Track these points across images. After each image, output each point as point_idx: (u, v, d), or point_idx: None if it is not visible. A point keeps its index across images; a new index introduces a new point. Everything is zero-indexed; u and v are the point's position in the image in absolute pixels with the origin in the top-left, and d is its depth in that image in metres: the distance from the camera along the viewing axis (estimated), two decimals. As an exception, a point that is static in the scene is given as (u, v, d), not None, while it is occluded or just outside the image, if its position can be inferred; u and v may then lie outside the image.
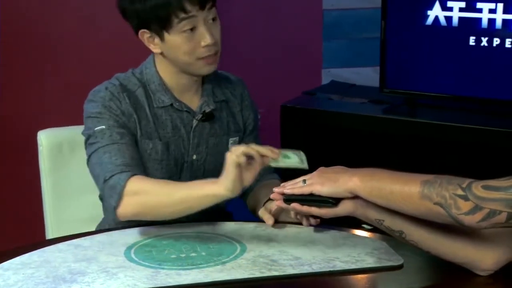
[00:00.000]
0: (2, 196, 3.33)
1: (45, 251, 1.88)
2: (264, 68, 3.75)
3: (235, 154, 1.81)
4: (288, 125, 3.26)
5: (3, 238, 3.20)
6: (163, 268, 1.76)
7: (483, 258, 1.69)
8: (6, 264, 1.80)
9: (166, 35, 2.03)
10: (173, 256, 1.83)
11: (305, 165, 1.83)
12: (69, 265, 1.79)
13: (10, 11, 3.18)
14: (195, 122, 2.14)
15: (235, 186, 1.82)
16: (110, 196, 1.95)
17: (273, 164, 1.85)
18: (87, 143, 2.05)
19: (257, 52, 3.75)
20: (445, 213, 1.57)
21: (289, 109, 3.25)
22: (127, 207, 1.92)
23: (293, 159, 1.85)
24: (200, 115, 2.14)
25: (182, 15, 1.99)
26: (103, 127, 2.02)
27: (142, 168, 2.03)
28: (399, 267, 1.78)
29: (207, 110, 2.14)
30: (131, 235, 1.95)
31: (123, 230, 1.98)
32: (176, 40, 2.03)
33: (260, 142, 2.22)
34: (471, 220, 1.55)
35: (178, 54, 2.05)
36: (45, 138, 2.30)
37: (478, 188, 1.55)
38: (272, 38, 3.76)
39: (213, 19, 2.05)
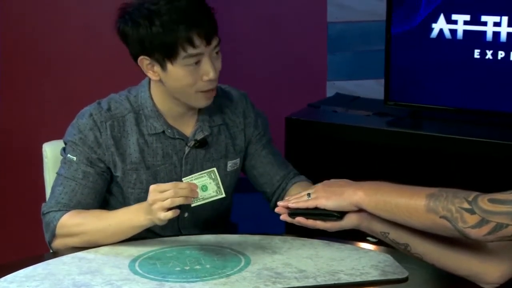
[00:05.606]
0: (7, 207, 3.33)
1: (49, 264, 1.88)
2: (269, 80, 3.76)
3: (160, 210, 1.85)
4: (293, 137, 3.25)
5: (7, 249, 3.20)
6: (167, 281, 1.76)
7: (489, 271, 1.68)
8: (10, 276, 1.79)
9: (169, 65, 1.98)
10: (177, 268, 1.83)
11: (222, 194, 1.86)
12: (74, 278, 1.79)
13: (12, 22, 3.19)
14: (187, 149, 2.10)
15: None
16: (45, 231, 2.05)
17: (194, 205, 1.87)
18: (61, 162, 2.11)
19: (262, 65, 3.76)
20: (451, 227, 1.56)
21: (293, 122, 3.25)
22: (60, 245, 2.03)
23: (210, 189, 1.86)
24: (193, 142, 2.09)
25: (190, 49, 1.95)
26: (74, 158, 2.06)
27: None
28: (404, 280, 1.78)
29: (200, 136, 2.10)
30: (136, 248, 1.95)
31: (127, 242, 1.98)
32: (178, 72, 1.98)
33: (274, 149, 2.23)
34: (477, 233, 1.55)
35: (178, 85, 2.01)
36: (50, 150, 2.30)
37: (484, 201, 1.54)
38: (276, 51, 3.76)
39: (217, 52, 2.01)
